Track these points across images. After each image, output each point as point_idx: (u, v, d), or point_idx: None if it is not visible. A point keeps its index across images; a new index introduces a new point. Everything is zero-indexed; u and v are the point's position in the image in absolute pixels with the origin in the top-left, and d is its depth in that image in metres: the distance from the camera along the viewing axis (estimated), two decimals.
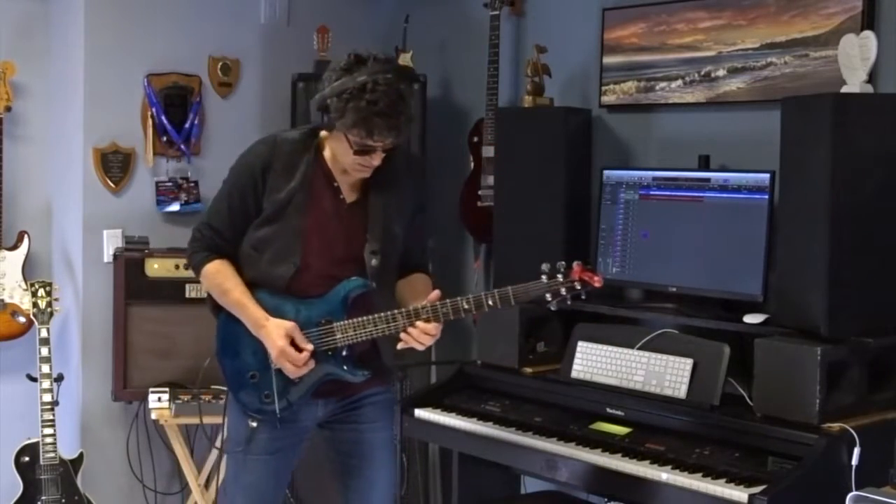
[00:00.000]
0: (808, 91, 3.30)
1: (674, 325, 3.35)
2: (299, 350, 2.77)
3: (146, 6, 4.28)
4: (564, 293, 2.69)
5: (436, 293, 2.76)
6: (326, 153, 2.82)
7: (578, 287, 2.69)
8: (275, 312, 2.80)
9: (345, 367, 2.83)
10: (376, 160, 2.74)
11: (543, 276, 2.70)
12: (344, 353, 2.81)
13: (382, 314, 2.76)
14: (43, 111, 4.38)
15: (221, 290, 2.85)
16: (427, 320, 2.73)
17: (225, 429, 2.98)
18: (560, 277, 2.69)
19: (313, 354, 2.78)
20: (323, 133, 2.82)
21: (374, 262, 2.81)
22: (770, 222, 3.24)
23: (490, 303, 2.72)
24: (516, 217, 3.79)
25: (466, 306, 2.72)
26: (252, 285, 2.83)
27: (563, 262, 2.70)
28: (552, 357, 3.63)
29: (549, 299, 2.70)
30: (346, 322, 2.78)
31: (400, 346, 2.79)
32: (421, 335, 2.74)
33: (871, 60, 3.02)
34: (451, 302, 2.73)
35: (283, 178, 2.79)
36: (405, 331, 2.75)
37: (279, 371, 2.81)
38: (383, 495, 2.99)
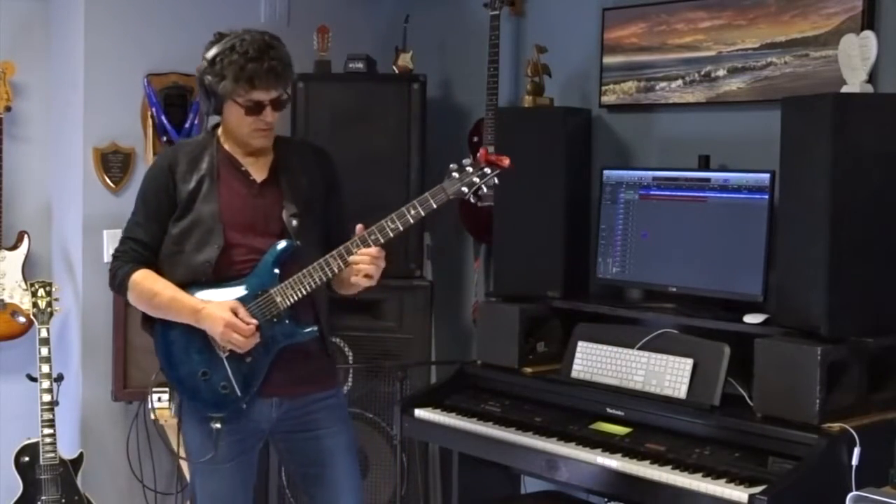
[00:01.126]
0: (808, 91, 3.30)
1: (674, 325, 3.35)
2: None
3: (146, 6, 4.28)
4: (478, 181, 2.77)
5: (359, 226, 2.80)
6: (226, 145, 2.91)
7: (489, 171, 2.78)
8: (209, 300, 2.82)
9: (296, 328, 2.83)
10: (269, 116, 2.82)
11: (454, 174, 2.78)
12: (289, 313, 2.82)
13: (315, 263, 2.79)
14: (43, 111, 4.38)
15: (151, 293, 2.85)
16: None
17: (184, 442, 2.97)
18: (470, 169, 2.77)
19: (258, 329, 2.79)
20: (219, 130, 2.92)
21: (294, 223, 2.85)
22: (770, 222, 3.25)
23: (412, 213, 2.77)
24: (516, 217, 3.79)
25: (392, 224, 2.77)
26: (181, 287, 2.84)
27: (468, 159, 2.79)
28: (552, 357, 3.63)
29: (467, 191, 2.77)
30: (283, 285, 2.80)
31: (354, 280, 2.79)
32: (365, 258, 2.76)
33: (871, 60, 3.02)
34: (376, 226, 2.77)
35: (189, 171, 2.87)
36: (342, 268, 2.77)
37: (230, 356, 2.81)
38: (351, 499, 2.98)
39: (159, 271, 2.87)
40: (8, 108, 4.17)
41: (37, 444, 3.94)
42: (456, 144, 4.43)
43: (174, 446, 4.13)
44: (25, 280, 4.19)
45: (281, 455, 3.07)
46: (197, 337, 2.83)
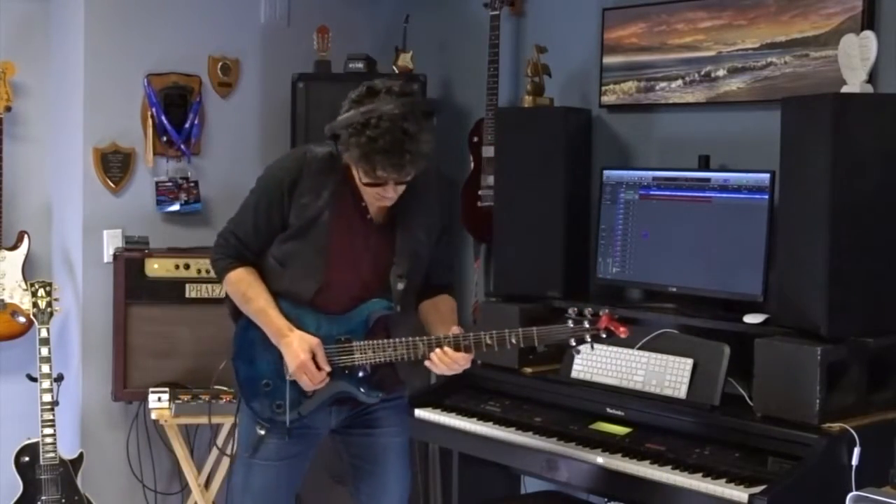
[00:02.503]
0: (808, 91, 3.30)
1: (674, 325, 3.35)
2: (318, 367, 2.77)
3: (146, 6, 4.28)
4: (588, 340, 2.71)
5: (456, 329, 2.77)
6: (355, 173, 2.75)
7: (604, 336, 2.71)
8: (296, 322, 2.80)
9: (361, 389, 2.83)
10: (390, 192, 2.70)
11: (570, 321, 2.71)
12: (360, 373, 2.81)
13: (403, 339, 2.76)
14: (43, 111, 4.38)
15: (245, 297, 2.84)
16: (454, 349, 2.73)
17: (237, 431, 2.98)
18: (586, 324, 2.70)
19: (331, 373, 2.79)
20: None
21: (399, 286, 2.80)
22: (770, 222, 3.24)
23: (513, 341, 2.72)
24: (516, 217, 3.79)
25: (489, 341, 2.72)
26: (275, 296, 2.83)
27: (591, 309, 2.71)
28: (552, 357, 3.63)
29: (574, 344, 2.71)
30: (365, 343, 2.78)
31: (428, 365, 2.77)
32: (447, 360, 2.73)
33: (871, 60, 3.02)
34: (473, 336, 2.73)
35: (310, 194, 2.77)
36: (427, 357, 2.74)
37: (293, 383, 2.81)
38: (396, 500, 2.99)
39: (259, 268, 2.86)
40: (8, 108, 4.17)
41: (37, 444, 3.94)
42: (456, 144, 4.43)
43: (174, 446, 4.13)
44: (25, 280, 4.19)
45: (336, 445, 3.03)
46: (272, 349, 2.83)
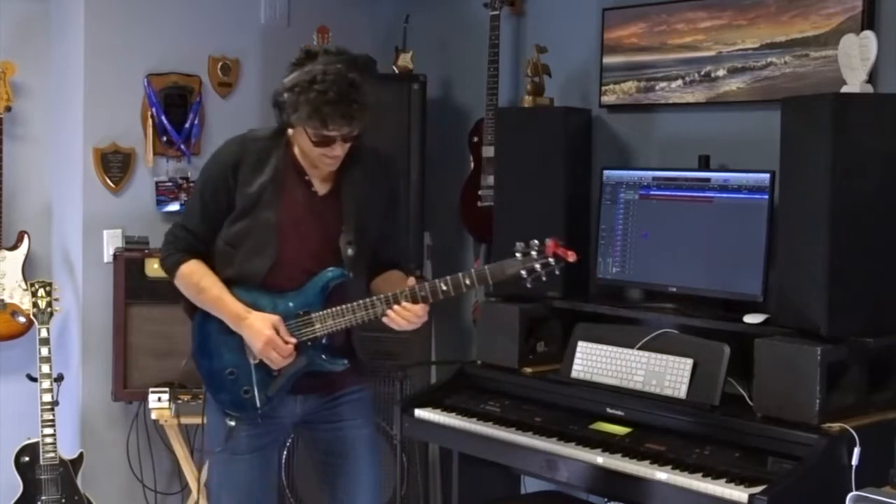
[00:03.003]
0: (808, 91, 3.30)
1: (674, 325, 3.35)
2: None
3: (146, 6, 4.28)
4: (539, 269, 2.73)
5: (412, 280, 2.80)
6: (296, 149, 2.85)
7: (553, 263, 2.74)
8: (252, 306, 2.82)
9: (324, 357, 2.85)
10: (338, 150, 2.76)
11: (518, 255, 2.74)
12: (324, 341, 2.84)
13: (361, 301, 2.79)
14: (43, 111, 4.38)
15: (197, 288, 2.86)
16: (412, 302, 2.77)
17: (205, 429, 2.99)
18: (535, 254, 2.73)
19: (295, 349, 2.81)
20: (290, 130, 2.85)
21: (350, 251, 2.83)
22: (770, 222, 3.25)
23: (467, 282, 2.76)
24: (516, 217, 3.79)
25: (444, 287, 2.77)
26: (227, 283, 2.85)
27: (537, 241, 2.75)
28: (552, 357, 3.63)
29: (525, 276, 2.74)
30: (324, 312, 2.81)
31: (388, 324, 2.80)
32: (406, 313, 2.76)
33: (871, 60, 3.02)
34: (429, 284, 2.78)
35: (253, 173, 2.82)
36: (386, 314, 2.77)
37: (258, 365, 2.83)
38: (370, 492, 3.00)
39: (209, 262, 2.88)
40: (8, 108, 4.17)
41: (37, 444, 3.94)
42: (456, 144, 4.43)
43: (174, 446, 4.13)
44: (25, 280, 4.19)
45: (304, 441, 3.07)
46: (232, 336, 2.85)
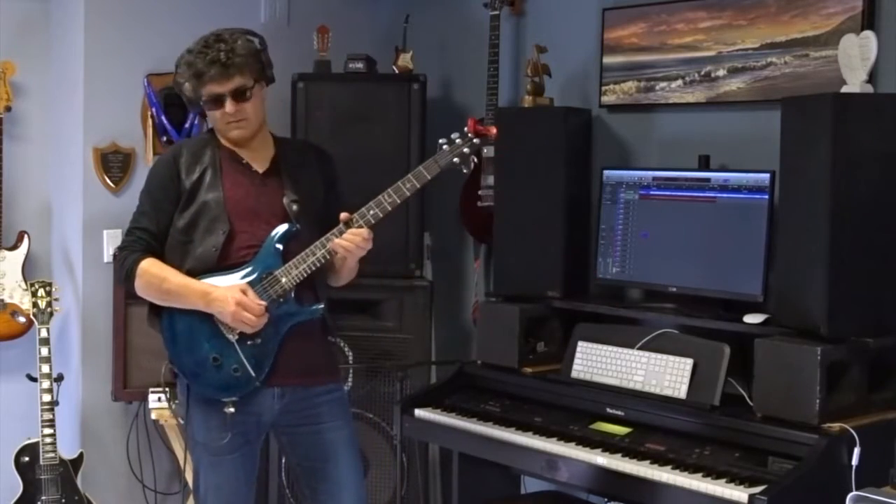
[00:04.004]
0: (808, 91, 3.30)
1: (674, 325, 3.35)
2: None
3: (146, 6, 4.28)
4: (468, 151, 2.89)
5: (344, 214, 2.88)
6: (223, 140, 2.99)
7: (477, 140, 2.91)
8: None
9: (298, 306, 2.90)
10: (230, 107, 2.89)
11: (445, 146, 2.90)
12: (292, 295, 2.90)
13: (314, 244, 2.88)
14: (43, 111, 4.38)
15: (160, 278, 2.89)
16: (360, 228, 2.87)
17: (191, 432, 2.98)
18: (458, 140, 2.89)
19: (267, 309, 2.85)
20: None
21: (294, 207, 2.92)
22: (770, 222, 3.25)
23: (408, 186, 2.88)
24: (516, 217, 3.79)
25: (388, 199, 2.87)
26: (188, 275, 2.89)
27: (457, 133, 2.90)
28: (552, 357, 3.63)
29: (458, 162, 2.89)
30: (286, 266, 2.88)
31: (341, 253, 2.88)
32: (354, 237, 2.85)
33: (871, 60, 3.02)
34: (373, 202, 2.87)
35: (193, 163, 2.95)
36: (337, 243, 2.85)
37: (240, 339, 2.86)
38: (353, 494, 3.00)
39: (165, 261, 2.92)
40: (8, 108, 4.17)
41: (37, 444, 3.94)
42: None
43: (174, 446, 4.13)
44: (25, 280, 4.19)
45: (283, 448, 3.11)
46: (206, 324, 2.88)
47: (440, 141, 2.91)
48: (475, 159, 2.92)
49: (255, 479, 3.05)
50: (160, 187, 2.96)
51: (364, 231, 2.86)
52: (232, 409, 2.86)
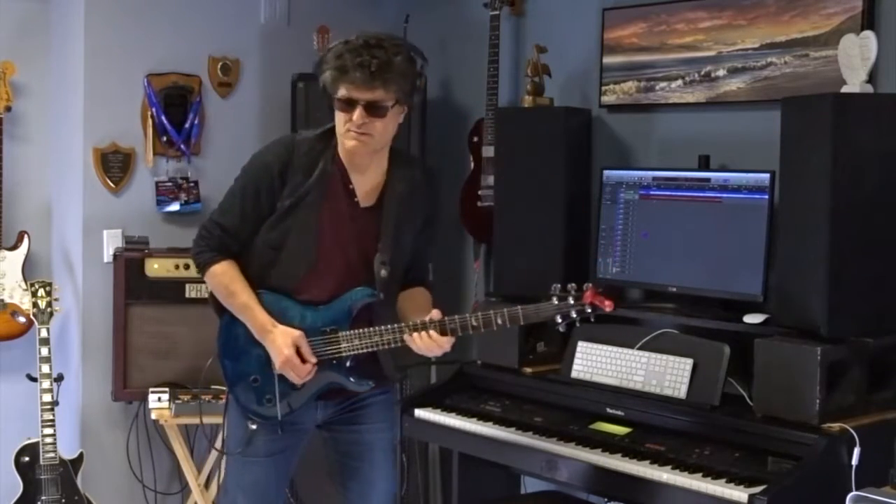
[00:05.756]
0: (808, 91, 3.30)
1: (674, 325, 3.35)
2: (304, 360, 2.77)
3: (146, 6, 4.28)
4: (574, 316, 2.69)
5: (436, 312, 2.77)
6: (341, 152, 2.80)
7: (589, 311, 2.69)
8: (280, 316, 2.79)
9: (350, 378, 2.83)
10: (358, 117, 2.68)
11: (554, 298, 2.70)
12: (348, 363, 2.81)
13: (389, 326, 2.76)
14: (43, 111, 4.38)
15: (228, 291, 2.83)
16: (440, 334, 2.74)
17: (225, 429, 2.98)
18: (571, 300, 2.68)
19: (317, 363, 2.79)
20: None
21: (383, 272, 2.80)
22: (770, 222, 3.25)
23: (499, 321, 2.72)
24: (516, 217, 3.79)
25: (475, 323, 2.73)
26: (260, 284, 2.82)
27: (575, 285, 2.70)
28: (552, 357, 3.63)
29: (559, 321, 2.70)
30: (351, 332, 2.78)
31: (410, 344, 2.78)
32: (430, 342, 2.74)
33: (871, 60, 3.02)
34: (459, 318, 2.74)
35: (300, 175, 2.77)
36: (411, 336, 2.75)
37: (282, 376, 2.81)
38: (383, 496, 2.99)
39: (241, 262, 2.84)
40: (8, 108, 4.17)
41: (37, 444, 3.94)
42: (456, 144, 4.43)
43: (174, 446, 4.13)
44: (25, 280, 4.19)
45: (325, 442, 3.03)
46: (258, 345, 2.83)
47: (553, 287, 2.70)
48: (578, 325, 2.72)
49: (288, 481, 3.03)
50: (255, 194, 2.79)
51: (445, 340, 2.73)
52: (254, 427, 2.84)
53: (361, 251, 2.81)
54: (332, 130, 2.81)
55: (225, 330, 2.90)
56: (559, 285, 2.71)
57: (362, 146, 2.74)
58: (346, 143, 2.75)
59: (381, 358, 2.88)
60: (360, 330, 2.78)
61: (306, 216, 2.77)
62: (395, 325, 2.76)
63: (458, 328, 2.74)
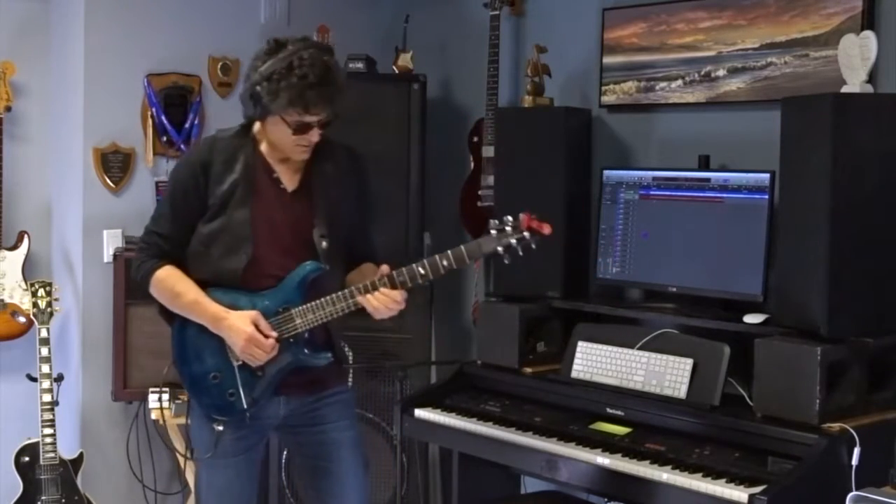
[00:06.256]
0: (808, 91, 3.30)
1: (674, 325, 3.35)
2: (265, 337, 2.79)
3: (146, 6, 4.28)
4: (515, 244, 2.71)
5: (385, 267, 2.79)
6: (262, 146, 2.87)
7: (528, 237, 2.71)
8: (231, 308, 2.81)
9: (307, 352, 2.85)
10: (314, 136, 2.77)
11: (493, 231, 2.72)
12: (305, 336, 2.83)
13: (340, 293, 2.79)
14: (43, 111, 4.38)
15: (173, 293, 2.85)
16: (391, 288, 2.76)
17: (191, 436, 2.99)
18: (509, 230, 2.71)
19: (276, 342, 2.80)
20: (256, 126, 2.87)
21: (324, 244, 2.83)
22: (770, 222, 3.25)
23: (444, 263, 2.75)
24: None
25: (422, 271, 2.76)
26: (203, 285, 2.84)
27: (510, 217, 2.72)
28: (552, 357, 3.63)
29: (502, 252, 2.72)
30: (304, 306, 2.81)
31: (371, 312, 2.80)
32: (384, 299, 2.76)
33: (871, 60, 3.02)
34: (406, 269, 2.76)
35: (223, 172, 2.83)
36: (365, 297, 2.77)
37: (242, 366, 2.83)
38: (356, 494, 3.00)
39: (183, 266, 2.87)
40: (8, 108, 4.17)
41: (37, 444, 3.94)
42: (456, 144, 4.43)
43: (175, 446, 4.13)
44: (25, 280, 4.19)
45: (289, 448, 3.07)
46: (213, 340, 2.84)
47: (491, 222, 2.73)
48: (520, 253, 2.72)
49: (257, 479, 3.04)
50: (184, 196, 2.84)
51: (397, 293, 2.75)
52: (220, 428, 2.84)
53: (298, 234, 2.84)
54: (249, 127, 2.89)
55: (178, 335, 2.91)
56: (496, 220, 2.74)
57: (308, 154, 2.84)
58: (294, 156, 2.83)
59: (334, 334, 2.92)
60: (313, 303, 2.80)
61: (238, 212, 2.81)
62: (345, 291, 2.79)
63: (408, 279, 2.76)
